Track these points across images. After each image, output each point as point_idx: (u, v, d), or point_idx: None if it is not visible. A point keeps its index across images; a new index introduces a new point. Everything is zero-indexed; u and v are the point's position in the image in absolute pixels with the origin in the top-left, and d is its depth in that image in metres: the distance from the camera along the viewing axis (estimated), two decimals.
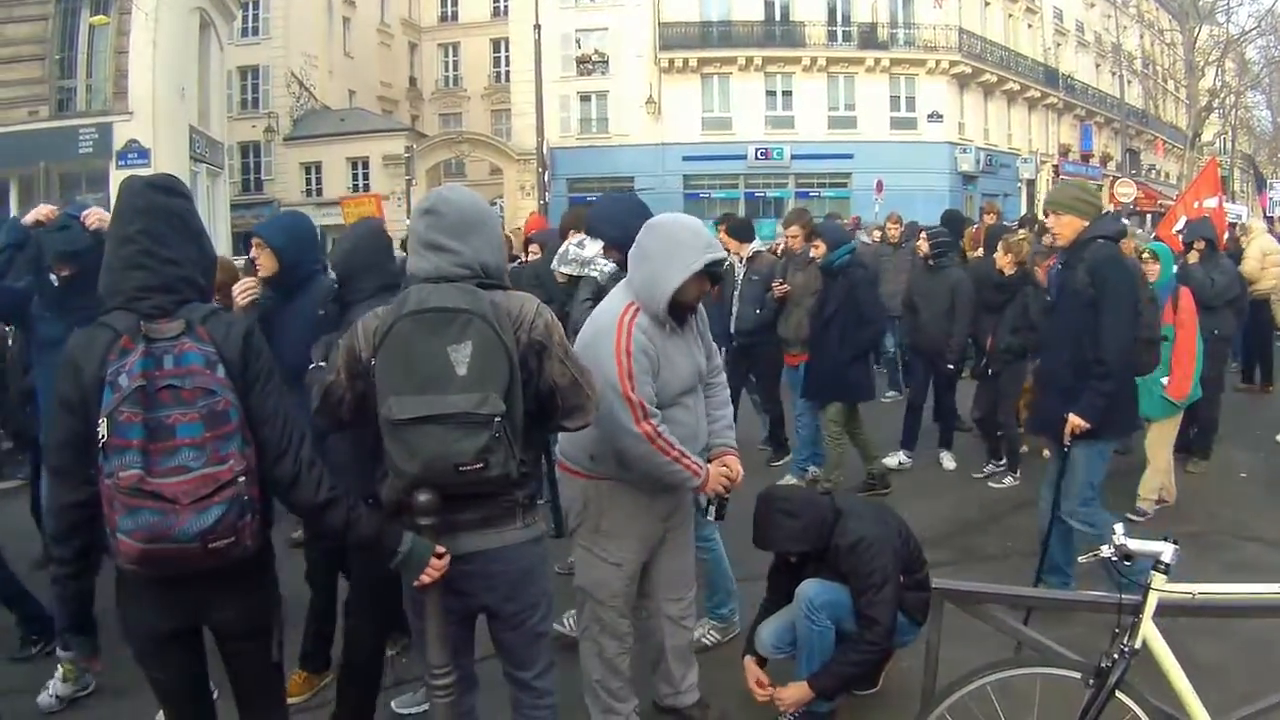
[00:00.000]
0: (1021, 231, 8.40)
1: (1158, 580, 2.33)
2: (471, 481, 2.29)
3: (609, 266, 3.92)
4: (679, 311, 3.14)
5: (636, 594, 3.38)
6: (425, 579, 2.37)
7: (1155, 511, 6.05)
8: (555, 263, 4.19)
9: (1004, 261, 6.85)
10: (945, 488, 6.93)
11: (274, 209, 33.18)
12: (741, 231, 7.23)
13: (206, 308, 2.26)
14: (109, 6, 21.94)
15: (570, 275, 4.08)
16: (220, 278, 2.81)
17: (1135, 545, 2.32)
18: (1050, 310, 4.62)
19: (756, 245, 7.31)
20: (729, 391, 3.63)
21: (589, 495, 3.24)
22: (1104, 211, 4.49)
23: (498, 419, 2.23)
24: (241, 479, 2.11)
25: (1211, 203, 10.46)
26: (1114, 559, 2.31)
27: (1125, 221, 12.51)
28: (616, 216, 3.93)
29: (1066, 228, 4.28)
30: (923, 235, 7.43)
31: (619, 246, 3.69)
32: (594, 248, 3.98)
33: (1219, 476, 7.06)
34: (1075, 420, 4.19)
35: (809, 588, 3.54)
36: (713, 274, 3.17)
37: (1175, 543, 2.32)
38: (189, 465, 2.05)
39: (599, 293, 3.72)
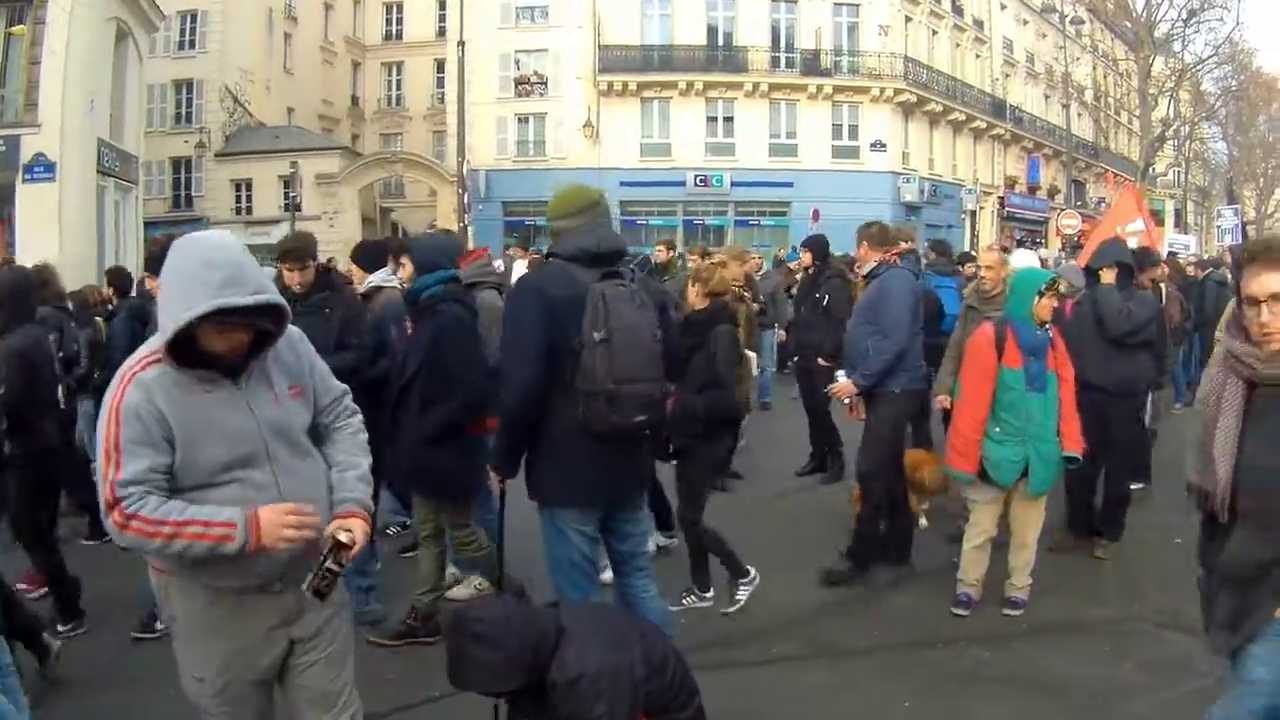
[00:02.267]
0: (719, 254, 7.20)
1: None
2: None
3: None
4: (214, 362, 2.35)
5: None
6: None
7: (1054, 583, 5.11)
8: None
9: (693, 295, 5.22)
10: (811, 555, 5.54)
11: (203, 225, 32.58)
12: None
13: None
14: (25, 15, 21.12)
15: None
16: None
17: None
18: None
19: None
20: (365, 435, 2.71)
21: (159, 591, 2.52)
22: (583, 224, 3.47)
23: None
24: None
25: (1135, 226, 9.62)
26: None
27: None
28: None
29: None
30: None
31: None
32: None
33: (1148, 544, 5.93)
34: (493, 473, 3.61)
35: None
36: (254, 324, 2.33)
37: None
38: None
39: None
